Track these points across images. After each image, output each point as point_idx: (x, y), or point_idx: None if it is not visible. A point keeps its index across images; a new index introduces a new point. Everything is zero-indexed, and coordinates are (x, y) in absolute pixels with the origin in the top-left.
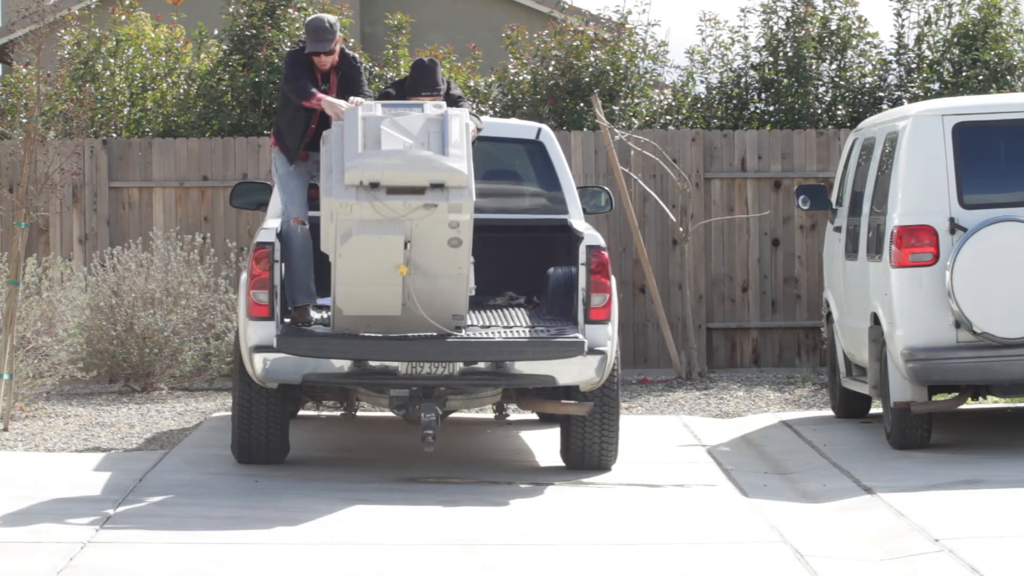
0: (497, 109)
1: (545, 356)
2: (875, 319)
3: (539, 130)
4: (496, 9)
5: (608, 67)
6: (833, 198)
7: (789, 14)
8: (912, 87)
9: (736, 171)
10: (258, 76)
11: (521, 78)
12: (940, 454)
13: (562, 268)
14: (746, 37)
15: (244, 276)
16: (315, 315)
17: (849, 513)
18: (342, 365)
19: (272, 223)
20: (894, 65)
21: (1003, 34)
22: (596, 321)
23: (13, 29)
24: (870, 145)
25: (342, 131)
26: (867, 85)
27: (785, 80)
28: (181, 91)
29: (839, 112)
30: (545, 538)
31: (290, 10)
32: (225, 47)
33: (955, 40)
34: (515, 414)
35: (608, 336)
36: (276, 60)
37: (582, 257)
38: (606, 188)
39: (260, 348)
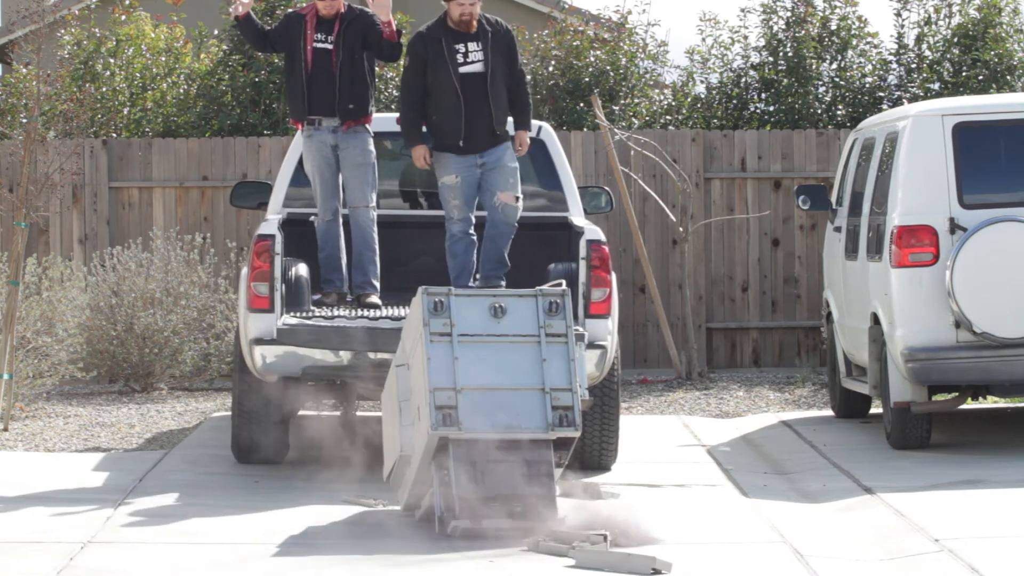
0: None
1: None
2: (875, 319)
3: (539, 128)
4: (496, 9)
5: (608, 67)
6: (833, 198)
7: (789, 14)
8: (912, 87)
9: (736, 171)
10: (258, 76)
11: None
12: (940, 454)
13: (563, 264)
14: (746, 37)
15: (244, 270)
16: (316, 310)
17: (849, 513)
18: (342, 357)
19: (274, 217)
20: (894, 65)
21: (1003, 34)
22: (596, 315)
23: (13, 29)
24: (870, 145)
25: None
26: (867, 85)
27: (785, 80)
28: (181, 91)
29: (839, 112)
30: None
31: (290, 10)
32: (225, 47)
33: (955, 40)
34: None
35: (608, 331)
36: (276, 60)
37: (582, 251)
38: (606, 189)
39: (260, 341)
